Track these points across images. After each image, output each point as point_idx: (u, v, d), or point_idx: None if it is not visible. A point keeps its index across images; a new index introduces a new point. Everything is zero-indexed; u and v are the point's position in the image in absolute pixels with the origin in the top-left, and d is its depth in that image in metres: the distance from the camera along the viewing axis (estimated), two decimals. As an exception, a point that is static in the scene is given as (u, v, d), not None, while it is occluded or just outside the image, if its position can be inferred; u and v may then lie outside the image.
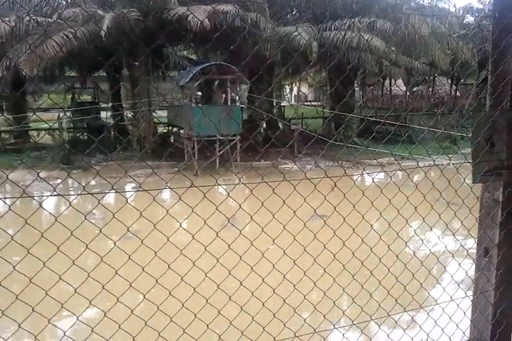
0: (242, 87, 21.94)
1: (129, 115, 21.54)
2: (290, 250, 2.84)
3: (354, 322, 3.01)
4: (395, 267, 2.98)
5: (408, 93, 32.92)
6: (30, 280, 1.97)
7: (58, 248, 1.99)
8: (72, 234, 1.95)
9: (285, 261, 2.79)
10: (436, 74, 29.97)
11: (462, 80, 32.45)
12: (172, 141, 22.33)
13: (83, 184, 14.06)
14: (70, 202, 2.24)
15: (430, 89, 32.21)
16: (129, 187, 15.91)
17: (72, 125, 23.86)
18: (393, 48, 20.96)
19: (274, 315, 2.63)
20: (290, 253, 2.79)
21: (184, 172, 16.18)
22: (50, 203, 13.99)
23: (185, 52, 29.61)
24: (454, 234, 3.50)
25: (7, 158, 17.48)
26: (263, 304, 2.62)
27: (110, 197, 13.89)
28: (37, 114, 22.59)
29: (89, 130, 22.68)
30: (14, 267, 1.96)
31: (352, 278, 2.82)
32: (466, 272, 2.96)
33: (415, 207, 2.81)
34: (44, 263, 1.96)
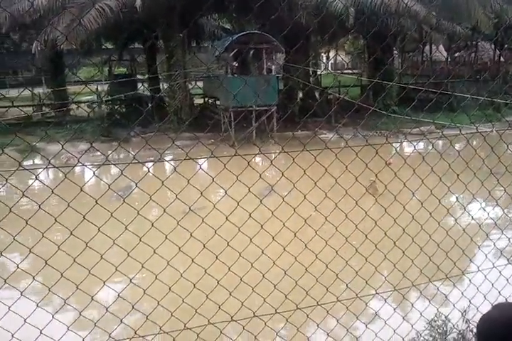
0: (278, 56, 21.65)
1: (166, 86, 21.58)
2: (332, 216, 2.88)
3: (396, 288, 3.05)
4: (438, 236, 2.99)
5: (449, 59, 31.79)
6: (86, 244, 2.08)
7: (111, 214, 2.09)
8: (124, 201, 2.04)
9: (328, 226, 2.83)
10: (479, 39, 28.76)
11: (506, 45, 31.05)
12: (208, 112, 22.35)
13: (124, 155, 14.39)
14: (122, 171, 2.33)
15: (472, 55, 31.02)
16: (168, 158, 16.14)
17: (109, 97, 24.08)
18: (434, 13, 20.17)
19: (316, 280, 2.70)
20: (332, 220, 2.83)
21: (220, 143, 16.28)
22: (90, 175, 14.30)
23: (219, 22, 29.25)
24: (497, 203, 3.46)
25: (52, 130, 18.05)
26: (306, 269, 2.68)
27: (151, 168, 14.15)
28: (74, 87, 22.89)
29: (127, 102, 22.90)
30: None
31: (394, 245, 2.85)
32: (510, 240, 2.95)
33: (457, 175, 2.79)
34: (99, 228, 2.06)
